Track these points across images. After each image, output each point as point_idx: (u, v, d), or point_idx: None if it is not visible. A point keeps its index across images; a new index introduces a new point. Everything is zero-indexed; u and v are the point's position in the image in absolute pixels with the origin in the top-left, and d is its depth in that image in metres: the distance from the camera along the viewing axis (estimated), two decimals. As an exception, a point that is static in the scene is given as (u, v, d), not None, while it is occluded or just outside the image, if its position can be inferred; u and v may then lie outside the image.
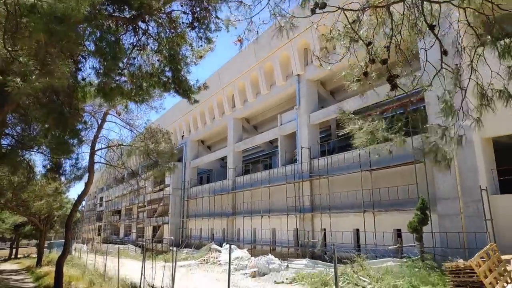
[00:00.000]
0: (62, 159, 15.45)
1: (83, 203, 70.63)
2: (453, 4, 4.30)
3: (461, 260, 11.22)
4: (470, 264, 9.04)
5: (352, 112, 5.56)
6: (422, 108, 16.53)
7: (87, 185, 15.60)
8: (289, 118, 27.24)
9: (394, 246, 15.86)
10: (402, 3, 4.21)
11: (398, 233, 17.37)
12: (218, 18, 8.01)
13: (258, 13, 4.45)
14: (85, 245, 57.13)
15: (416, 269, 12.53)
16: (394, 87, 4.46)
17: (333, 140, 26.20)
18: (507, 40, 4.05)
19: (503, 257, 12.13)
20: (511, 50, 3.94)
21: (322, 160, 22.97)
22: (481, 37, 4.26)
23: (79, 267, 22.56)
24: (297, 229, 23.84)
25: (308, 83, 25.45)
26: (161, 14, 8.23)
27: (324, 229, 21.85)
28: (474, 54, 4.82)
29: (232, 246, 24.65)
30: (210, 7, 7.97)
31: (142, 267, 13.32)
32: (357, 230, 19.91)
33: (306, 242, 22.53)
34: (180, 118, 43.48)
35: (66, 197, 38.90)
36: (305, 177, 23.66)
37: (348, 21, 4.55)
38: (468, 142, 15.60)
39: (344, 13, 4.58)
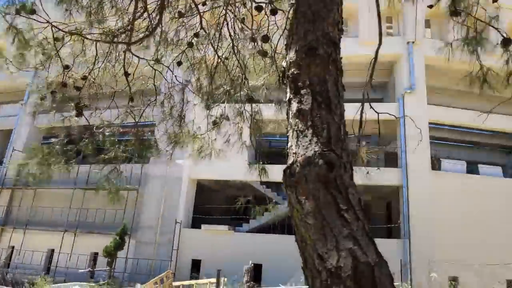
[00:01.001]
0: None
1: None
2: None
3: (139, 285, 12.30)
4: (144, 288, 10.02)
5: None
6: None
7: None
8: (10, 113, 23.05)
9: (85, 270, 15.53)
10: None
11: (95, 256, 17.19)
12: None
13: None
14: None
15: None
16: (79, 114, 4.72)
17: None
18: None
19: (177, 283, 14.15)
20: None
21: (36, 168, 20.28)
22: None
23: None
24: (-24, 245, 19.45)
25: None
26: None
27: (13, 247, 18.83)
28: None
29: None
30: None
31: None
32: (52, 250, 18.28)
33: (-17, 261, 18.60)
34: None
35: None
36: (8, 184, 20.09)
37: (54, 39, 4.55)
38: (178, 180, 17.94)
39: (52, 29, 4.58)
